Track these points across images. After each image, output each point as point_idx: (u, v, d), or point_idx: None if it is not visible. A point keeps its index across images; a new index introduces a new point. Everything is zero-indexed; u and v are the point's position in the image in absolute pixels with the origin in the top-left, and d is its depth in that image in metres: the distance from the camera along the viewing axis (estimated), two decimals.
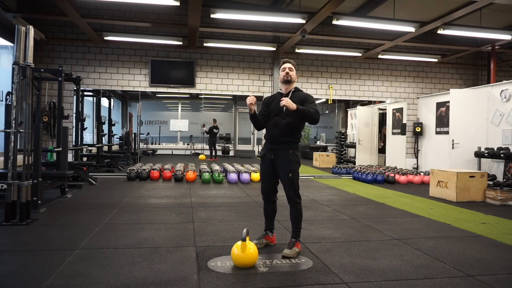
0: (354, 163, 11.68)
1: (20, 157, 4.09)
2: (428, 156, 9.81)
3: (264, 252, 3.17)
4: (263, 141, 3.49)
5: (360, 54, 9.58)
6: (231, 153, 15.38)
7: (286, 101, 2.96)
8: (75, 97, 8.29)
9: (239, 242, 2.82)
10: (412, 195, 6.58)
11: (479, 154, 7.57)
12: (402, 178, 8.17)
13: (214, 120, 13.92)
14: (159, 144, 16.10)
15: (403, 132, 10.26)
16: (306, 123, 3.25)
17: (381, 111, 11.98)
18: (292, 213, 3.19)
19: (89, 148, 10.03)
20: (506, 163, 7.30)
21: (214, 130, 13.46)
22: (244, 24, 8.68)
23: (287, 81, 3.28)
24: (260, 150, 10.30)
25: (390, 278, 2.65)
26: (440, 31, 7.81)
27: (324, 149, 14.57)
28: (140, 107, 11.38)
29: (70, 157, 7.31)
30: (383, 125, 11.78)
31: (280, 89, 3.39)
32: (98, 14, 8.57)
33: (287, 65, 3.33)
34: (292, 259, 3.00)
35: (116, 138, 12.52)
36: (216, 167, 8.42)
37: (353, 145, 12.32)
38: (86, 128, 8.88)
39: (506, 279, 2.69)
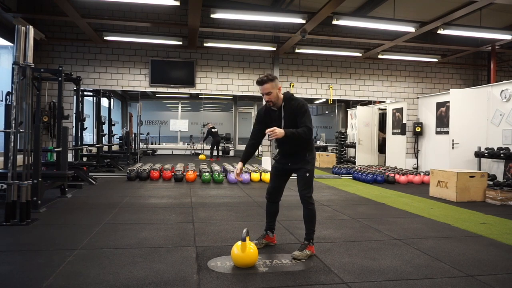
0: (354, 163, 11.68)
1: (20, 157, 4.09)
2: (428, 156, 9.81)
3: (264, 252, 3.17)
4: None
5: (360, 54, 9.57)
6: (231, 153, 15.38)
7: (274, 135, 2.89)
8: (75, 97, 8.29)
9: (239, 242, 2.82)
10: (412, 195, 6.58)
11: (479, 154, 7.57)
12: (402, 178, 8.17)
13: (208, 124, 13.86)
14: (159, 144, 16.09)
15: (403, 132, 10.26)
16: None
17: (381, 111, 11.98)
18: (305, 214, 3.14)
19: (89, 148, 10.03)
20: (506, 163, 7.30)
21: (213, 131, 13.45)
22: (244, 24, 8.67)
23: (273, 104, 3.10)
24: (261, 150, 10.29)
25: (390, 278, 2.65)
26: (440, 31, 7.80)
27: (324, 149, 14.57)
28: (140, 107, 11.39)
29: (70, 157, 7.32)
30: (383, 126, 11.78)
31: None
32: (98, 14, 8.56)
33: (264, 89, 3.02)
34: (293, 259, 2.99)
35: (116, 138, 12.52)
36: (216, 167, 8.43)
37: (353, 145, 12.32)
38: (86, 128, 8.88)
39: (506, 279, 2.69)
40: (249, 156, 3.30)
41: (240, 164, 3.25)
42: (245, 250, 2.78)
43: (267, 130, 2.96)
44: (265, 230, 3.37)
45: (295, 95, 3.27)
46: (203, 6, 6.70)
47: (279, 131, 2.91)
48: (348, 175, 9.35)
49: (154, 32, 8.88)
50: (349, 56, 9.87)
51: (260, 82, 3.04)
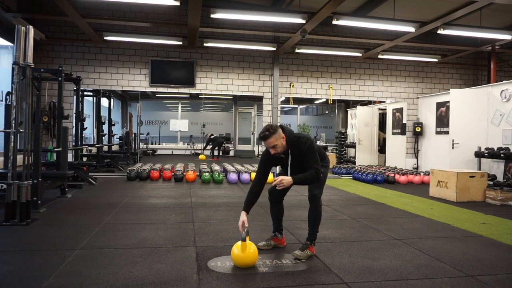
0: (354, 163, 11.68)
1: (20, 157, 4.09)
2: (428, 156, 9.81)
3: (264, 252, 3.17)
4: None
5: (360, 54, 9.58)
6: (231, 153, 15.38)
7: (282, 186, 2.88)
8: (75, 97, 8.29)
9: (239, 242, 2.82)
10: (412, 195, 6.58)
11: (479, 154, 7.57)
12: (402, 178, 8.17)
13: (206, 134, 13.91)
14: (159, 144, 16.10)
15: (403, 132, 10.26)
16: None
17: (381, 111, 11.98)
18: (310, 214, 3.11)
19: (89, 148, 10.03)
20: (506, 163, 7.30)
21: (212, 137, 13.48)
22: (244, 24, 8.67)
23: (279, 154, 3.01)
24: (261, 151, 10.30)
25: (390, 278, 2.65)
26: (440, 31, 7.81)
27: (324, 149, 14.56)
28: (140, 107, 11.39)
29: (70, 157, 7.32)
30: (383, 126, 11.78)
31: None
32: (98, 14, 8.57)
33: (269, 143, 2.91)
34: (294, 259, 2.99)
35: (116, 138, 12.53)
36: (216, 167, 8.43)
37: (353, 145, 12.32)
38: (86, 128, 8.88)
39: (506, 279, 2.69)
40: (253, 203, 3.09)
41: (244, 216, 2.98)
42: (245, 250, 2.78)
43: (274, 183, 2.94)
44: (273, 232, 3.36)
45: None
46: (203, 6, 6.71)
47: (287, 181, 2.87)
48: (348, 175, 9.35)
49: (154, 32, 8.89)
50: (349, 56, 9.87)
51: (263, 138, 2.91)
